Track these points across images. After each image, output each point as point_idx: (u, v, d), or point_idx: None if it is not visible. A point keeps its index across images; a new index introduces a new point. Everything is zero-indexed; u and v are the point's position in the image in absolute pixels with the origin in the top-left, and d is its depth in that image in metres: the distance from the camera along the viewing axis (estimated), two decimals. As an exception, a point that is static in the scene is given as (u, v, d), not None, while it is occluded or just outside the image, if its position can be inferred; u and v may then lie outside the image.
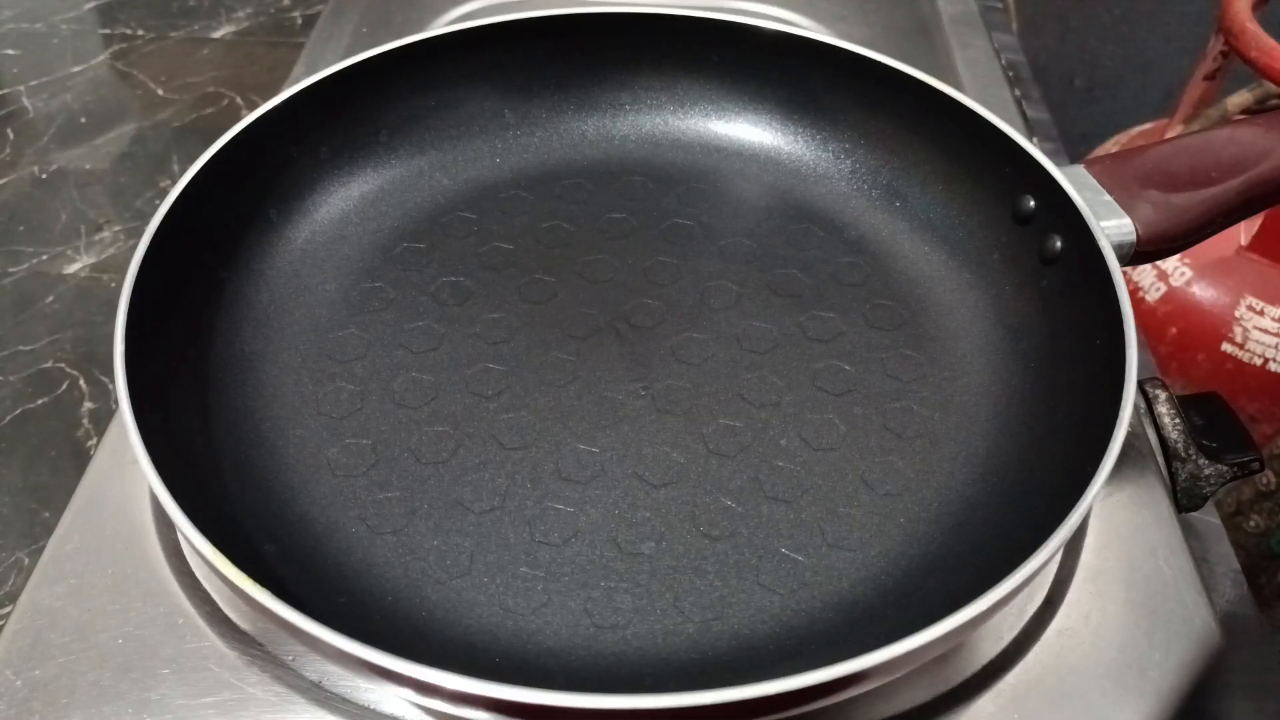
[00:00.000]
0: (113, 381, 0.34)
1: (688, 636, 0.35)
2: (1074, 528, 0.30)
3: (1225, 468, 0.40)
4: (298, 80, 0.46)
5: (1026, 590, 0.36)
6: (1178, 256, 0.80)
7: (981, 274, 0.46)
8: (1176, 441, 0.41)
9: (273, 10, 0.85)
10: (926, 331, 0.45)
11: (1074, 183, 0.41)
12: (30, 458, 0.50)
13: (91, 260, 0.61)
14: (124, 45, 0.81)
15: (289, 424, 0.40)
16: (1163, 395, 0.43)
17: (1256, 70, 0.72)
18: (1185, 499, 0.40)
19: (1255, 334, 0.76)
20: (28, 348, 0.55)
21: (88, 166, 0.69)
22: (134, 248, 0.38)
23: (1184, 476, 0.40)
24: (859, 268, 0.47)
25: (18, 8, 0.83)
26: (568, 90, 0.53)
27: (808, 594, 0.36)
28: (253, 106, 0.45)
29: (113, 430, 0.44)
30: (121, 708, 0.34)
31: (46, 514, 0.48)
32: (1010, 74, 0.67)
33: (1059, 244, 0.41)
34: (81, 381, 0.53)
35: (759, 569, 0.36)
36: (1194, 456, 0.40)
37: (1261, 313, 0.76)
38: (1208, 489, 0.40)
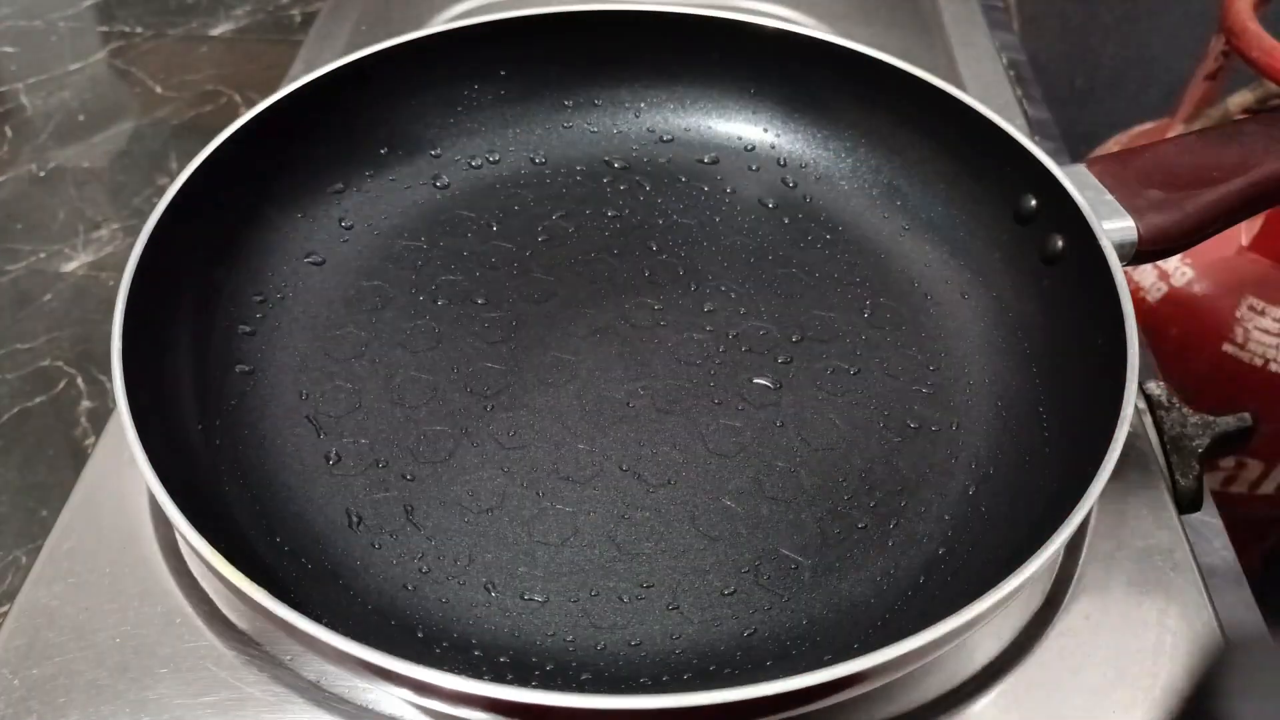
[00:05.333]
0: (110, 380, 0.34)
1: (687, 636, 0.35)
2: (1075, 528, 0.30)
3: (1211, 417, 0.40)
4: (296, 78, 0.46)
5: (1027, 591, 0.36)
6: (1179, 256, 0.79)
7: (982, 274, 0.46)
8: (1158, 394, 0.40)
9: (271, 8, 0.85)
10: (927, 331, 0.45)
11: (1075, 182, 0.41)
12: (28, 456, 0.50)
13: (89, 258, 0.61)
14: (122, 43, 0.81)
15: (287, 423, 0.40)
16: (1163, 396, 0.43)
17: (1258, 70, 0.71)
18: (1177, 466, 0.40)
19: (1256, 334, 0.76)
20: (25, 346, 0.55)
21: (86, 164, 0.69)
22: (132, 246, 0.38)
23: (1169, 424, 0.40)
24: (859, 267, 0.47)
25: (15, 5, 0.83)
26: (567, 88, 0.53)
27: (807, 594, 0.36)
28: (251, 104, 0.44)
29: (110, 429, 0.43)
30: (119, 707, 0.34)
31: (44, 513, 0.48)
32: (1011, 73, 0.67)
33: (1060, 243, 0.41)
34: (79, 380, 0.53)
35: (759, 569, 0.36)
36: (1178, 405, 0.40)
37: (1262, 313, 0.75)
38: (1196, 442, 0.40)
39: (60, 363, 0.54)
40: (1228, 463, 0.82)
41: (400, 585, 0.36)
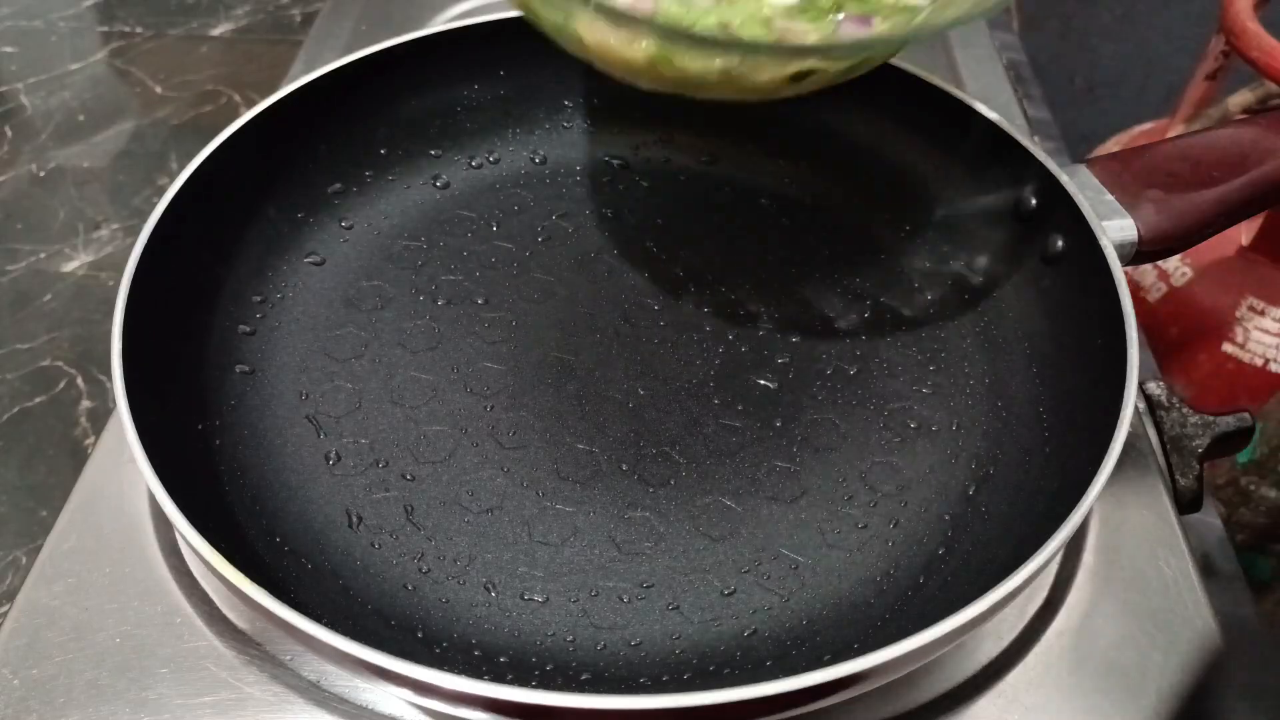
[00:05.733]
0: (110, 380, 0.34)
1: (687, 637, 0.35)
2: (1074, 528, 0.30)
3: (1211, 417, 0.40)
4: (297, 78, 0.46)
5: (1027, 591, 0.36)
6: (1179, 256, 0.79)
7: (982, 274, 0.45)
8: (1158, 394, 0.40)
9: (272, 8, 0.85)
10: (927, 331, 0.44)
11: (1075, 182, 0.41)
12: (28, 456, 0.50)
13: (89, 258, 0.61)
14: (122, 43, 0.81)
15: (287, 423, 0.40)
16: (1163, 396, 0.43)
17: (1257, 70, 0.72)
18: (1177, 466, 0.40)
19: (1256, 334, 0.76)
20: (25, 346, 0.55)
21: (86, 164, 0.68)
22: (132, 246, 0.38)
23: (1169, 424, 0.40)
24: (859, 267, 0.47)
25: (16, 5, 0.83)
26: (567, 88, 0.53)
27: (807, 594, 0.36)
28: (251, 104, 0.44)
29: (110, 429, 0.43)
30: (119, 707, 0.34)
31: (44, 513, 0.48)
32: (1011, 73, 0.67)
33: (1060, 243, 0.41)
34: (79, 380, 0.53)
35: (759, 569, 0.36)
36: (1178, 405, 0.40)
37: (1263, 313, 0.76)
38: (1196, 442, 0.40)
39: (60, 363, 0.54)
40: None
41: (400, 585, 0.36)
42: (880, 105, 0.49)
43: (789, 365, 0.43)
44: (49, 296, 0.58)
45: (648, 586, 0.36)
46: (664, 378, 0.42)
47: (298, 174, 0.47)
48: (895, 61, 0.47)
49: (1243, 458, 0.62)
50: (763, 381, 0.42)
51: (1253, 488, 0.60)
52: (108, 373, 0.34)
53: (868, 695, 0.30)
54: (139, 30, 0.82)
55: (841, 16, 0.32)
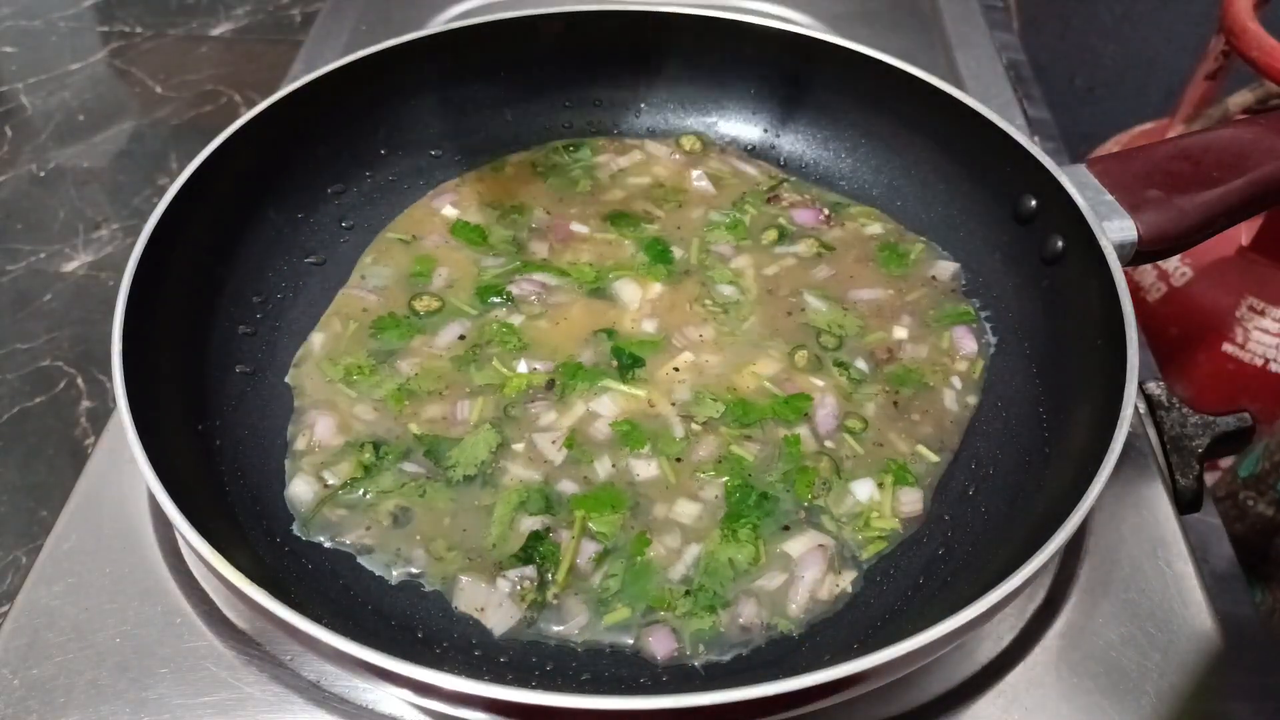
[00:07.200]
0: (110, 380, 0.34)
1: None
2: (1074, 529, 0.30)
3: (1211, 417, 0.40)
4: (296, 78, 0.46)
5: (1027, 591, 0.36)
6: (1179, 257, 0.79)
7: (982, 273, 0.45)
8: (1158, 394, 0.40)
9: (271, 8, 0.85)
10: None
11: (1075, 182, 0.41)
12: (28, 456, 0.50)
13: (89, 258, 0.61)
14: (122, 43, 0.81)
15: (287, 422, 0.40)
16: (1163, 396, 0.43)
17: (1257, 70, 0.72)
18: (1177, 466, 0.40)
19: (1256, 334, 0.76)
20: (25, 346, 0.55)
21: (86, 164, 0.68)
22: (132, 246, 0.38)
23: (1169, 424, 0.40)
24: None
25: (16, 5, 0.83)
26: (567, 87, 0.53)
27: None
28: (251, 104, 0.44)
29: (110, 429, 0.43)
30: (119, 707, 0.34)
31: (44, 513, 0.48)
32: (1011, 73, 0.67)
33: (1060, 244, 0.41)
34: (79, 380, 0.53)
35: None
36: (1178, 405, 0.40)
37: (1262, 313, 0.76)
38: (1196, 442, 0.40)
39: (60, 363, 0.54)
40: (1227, 462, 0.82)
41: (401, 587, 0.36)
42: (880, 105, 0.49)
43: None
44: (49, 296, 0.58)
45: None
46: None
47: (298, 174, 0.47)
48: (895, 61, 0.47)
49: (1244, 471, 0.62)
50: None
51: (1250, 503, 0.60)
52: (108, 373, 0.34)
53: (869, 695, 0.30)
54: (139, 30, 0.82)
55: None
